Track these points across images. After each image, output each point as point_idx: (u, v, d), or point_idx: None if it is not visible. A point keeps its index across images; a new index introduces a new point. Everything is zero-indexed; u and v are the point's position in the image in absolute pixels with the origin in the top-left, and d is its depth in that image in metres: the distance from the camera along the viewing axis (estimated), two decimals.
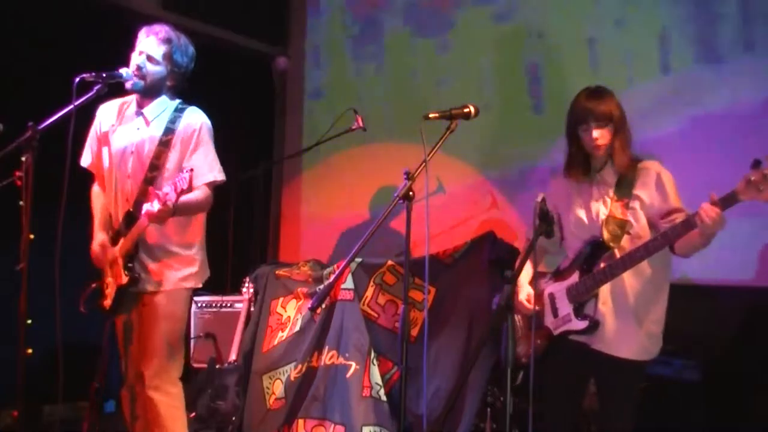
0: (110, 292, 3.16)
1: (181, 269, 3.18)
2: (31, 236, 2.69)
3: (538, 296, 2.93)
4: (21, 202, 2.67)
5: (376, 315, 3.96)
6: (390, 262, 4.00)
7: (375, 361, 3.89)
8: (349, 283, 4.01)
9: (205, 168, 3.13)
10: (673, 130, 4.15)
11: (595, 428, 3.32)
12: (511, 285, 2.48)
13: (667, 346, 3.65)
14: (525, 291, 2.94)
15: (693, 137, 4.10)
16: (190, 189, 2.84)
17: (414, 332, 3.67)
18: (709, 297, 3.95)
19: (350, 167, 5.50)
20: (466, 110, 2.65)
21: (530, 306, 2.90)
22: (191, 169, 2.85)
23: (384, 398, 3.81)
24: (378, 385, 3.84)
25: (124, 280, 3.08)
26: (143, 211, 2.94)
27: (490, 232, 3.89)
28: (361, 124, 4.31)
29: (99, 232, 3.25)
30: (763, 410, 3.48)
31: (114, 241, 3.17)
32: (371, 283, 4.00)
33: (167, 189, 2.84)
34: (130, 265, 3.09)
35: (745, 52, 4.00)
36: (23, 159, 2.69)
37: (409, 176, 2.51)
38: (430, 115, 2.61)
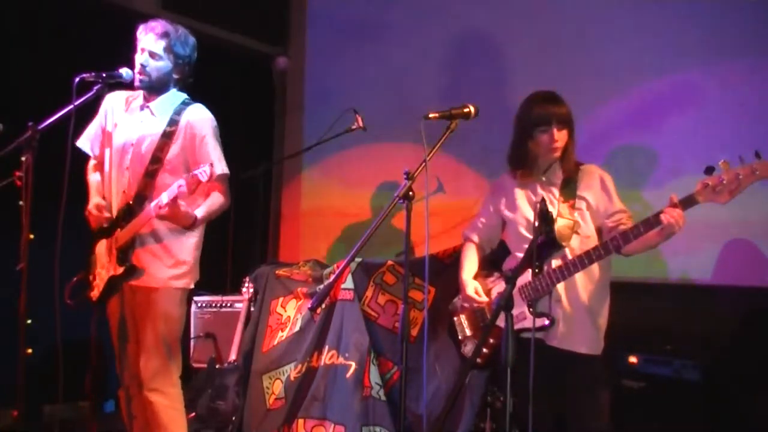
0: (99, 283, 3.15)
1: (170, 262, 3.15)
2: (31, 236, 2.69)
3: (486, 293, 3.00)
4: (21, 202, 2.67)
5: (376, 315, 3.95)
6: (390, 262, 3.99)
7: (375, 361, 3.89)
8: (349, 283, 4.00)
9: (215, 161, 3.13)
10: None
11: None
12: (511, 285, 2.48)
13: (667, 346, 3.68)
14: (471, 285, 3.02)
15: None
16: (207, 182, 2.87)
17: (414, 332, 3.67)
18: (709, 297, 3.96)
19: (350, 167, 5.50)
20: (466, 110, 2.68)
21: (479, 299, 2.98)
22: (211, 164, 2.87)
23: (384, 398, 3.81)
24: (378, 385, 3.84)
25: (119, 270, 3.07)
26: (155, 203, 2.92)
27: None
28: (361, 124, 4.31)
29: (95, 195, 3.23)
30: (763, 410, 3.48)
31: (108, 233, 3.16)
32: (371, 283, 4.00)
33: (181, 182, 2.84)
34: (124, 255, 3.08)
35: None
36: (23, 159, 2.70)
37: (409, 176, 2.52)
38: (430, 115, 2.63)
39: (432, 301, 3.80)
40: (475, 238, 3.19)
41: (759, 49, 3.95)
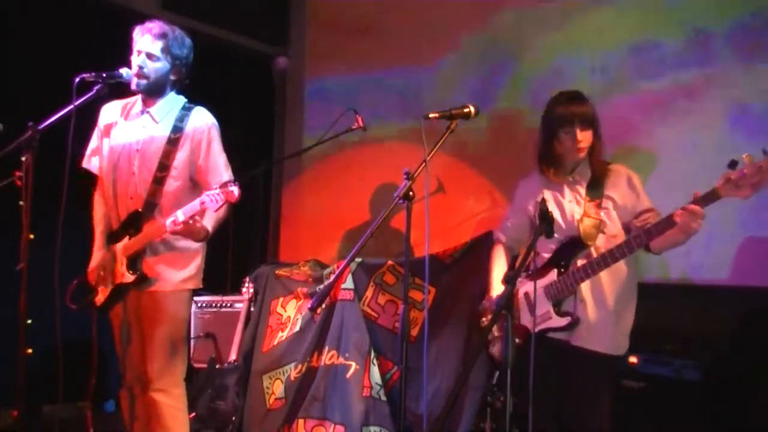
0: (104, 289, 3.14)
1: (182, 269, 3.17)
2: (31, 236, 2.69)
3: (513, 296, 2.98)
4: (21, 202, 2.67)
5: (376, 315, 3.96)
6: (390, 262, 4.00)
7: (375, 361, 3.89)
8: (349, 283, 4.01)
9: (221, 169, 3.14)
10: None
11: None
12: (511, 285, 2.49)
13: (667, 346, 3.68)
14: (500, 288, 3.01)
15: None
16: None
17: (414, 332, 3.67)
18: (709, 297, 3.95)
19: (350, 167, 5.50)
20: (466, 110, 2.67)
21: None
22: (236, 182, 2.85)
23: (384, 398, 3.82)
24: (378, 385, 3.84)
25: (130, 278, 3.06)
26: (170, 220, 2.91)
27: (490, 232, 3.86)
28: (361, 124, 4.29)
29: (98, 250, 3.22)
30: (763, 410, 3.48)
31: (114, 239, 3.15)
32: (371, 283, 4.00)
33: (205, 198, 2.83)
34: (134, 263, 3.08)
35: None
36: (23, 159, 2.69)
37: (409, 176, 2.52)
38: (431, 115, 2.62)
39: (432, 301, 3.81)
40: (503, 239, 3.20)
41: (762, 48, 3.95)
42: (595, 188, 2.91)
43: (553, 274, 2.90)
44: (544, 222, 2.60)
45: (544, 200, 2.71)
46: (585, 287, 2.85)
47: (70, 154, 2.90)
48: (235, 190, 2.82)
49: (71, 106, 2.82)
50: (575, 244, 2.88)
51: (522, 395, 2.58)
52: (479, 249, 3.83)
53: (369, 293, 3.99)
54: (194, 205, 2.85)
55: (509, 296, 2.43)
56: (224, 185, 2.84)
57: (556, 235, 2.92)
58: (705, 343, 3.73)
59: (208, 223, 3.03)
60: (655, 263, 3.93)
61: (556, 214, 2.94)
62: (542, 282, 2.93)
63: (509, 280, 2.53)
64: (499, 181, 4.87)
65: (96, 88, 2.92)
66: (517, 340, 2.86)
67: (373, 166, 5.34)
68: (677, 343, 3.71)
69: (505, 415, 2.42)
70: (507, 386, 2.36)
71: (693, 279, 3.98)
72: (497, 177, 4.88)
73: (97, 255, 3.21)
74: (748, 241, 3.87)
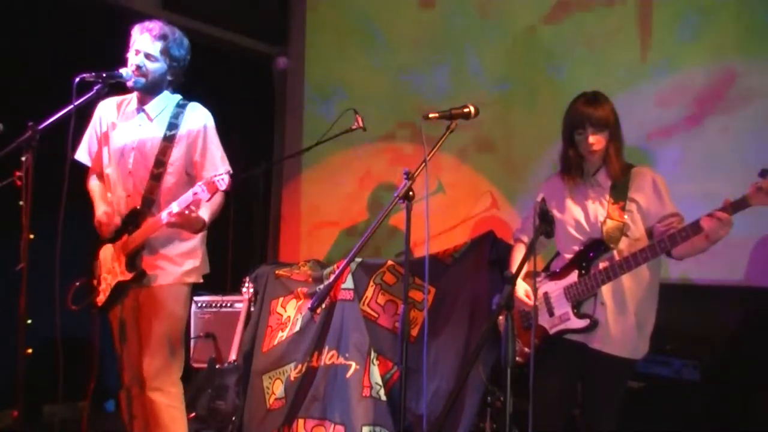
0: (105, 288, 3.14)
1: (183, 263, 3.18)
2: (31, 236, 2.69)
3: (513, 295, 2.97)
4: (21, 202, 2.67)
5: (376, 315, 3.96)
6: (390, 262, 4.00)
7: (375, 361, 3.89)
8: (349, 283, 4.01)
9: (217, 163, 3.16)
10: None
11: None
12: (511, 285, 2.49)
13: (667, 346, 3.68)
14: (522, 287, 3.00)
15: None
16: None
17: (414, 332, 3.67)
18: (709, 297, 3.96)
19: (350, 167, 5.50)
20: (466, 110, 2.67)
21: (529, 302, 2.96)
22: (228, 172, 2.87)
23: (384, 398, 3.81)
24: (378, 385, 3.84)
25: (129, 276, 3.07)
26: (166, 212, 2.93)
27: (490, 232, 3.89)
28: (361, 124, 4.30)
29: (101, 203, 3.24)
30: (763, 410, 3.48)
31: (116, 237, 3.16)
32: (371, 283, 4.00)
33: (197, 189, 2.84)
34: (133, 261, 3.08)
35: None
36: (23, 159, 2.69)
37: (409, 176, 2.52)
38: (430, 115, 2.63)
39: (432, 301, 3.81)
40: (525, 239, 3.19)
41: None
42: (620, 191, 2.88)
43: (573, 276, 2.89)
44: (544, 222, 2.60)
45: (543, 200, 2.70)
46: (606, 290, 2.83)
47: (70, 155, 2.90)
48: (225, 178, 2.83)
49: (71, 106, 2.82)
50: (598, 246, 2.86)
51: (534, 395, 2.56)
52: (479, 249, 3.84)
53: (369, 293, 3.99)
54: (187, 196, 2.87)
55: (510, 296, 2.42)
56: (214, 176, 2.86)
57: (579, 236, 2.93)
58: (705, 343, 3.73)
59: (204, 213, 3.05)
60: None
61: (579, 216, 2.94)
62: (563, 283, 2.93)
63: (509, 279, 2.52)
64: (499, 182, 4.88)
65: (96, 87, 2.92)
66: (535, 341, 2.87)
67: (373, 166, 5.34)
68: (677, 343, 3.71)
69: (505, 415, 2.41)
70: (507, 386, 2.36)
71: (693, 279, 3.99)
72: (497, 177, 4.88)
73: (100, 206, 3.22)
74: (749, 241, 3.87)
